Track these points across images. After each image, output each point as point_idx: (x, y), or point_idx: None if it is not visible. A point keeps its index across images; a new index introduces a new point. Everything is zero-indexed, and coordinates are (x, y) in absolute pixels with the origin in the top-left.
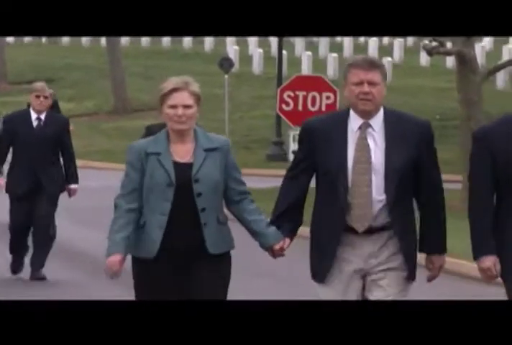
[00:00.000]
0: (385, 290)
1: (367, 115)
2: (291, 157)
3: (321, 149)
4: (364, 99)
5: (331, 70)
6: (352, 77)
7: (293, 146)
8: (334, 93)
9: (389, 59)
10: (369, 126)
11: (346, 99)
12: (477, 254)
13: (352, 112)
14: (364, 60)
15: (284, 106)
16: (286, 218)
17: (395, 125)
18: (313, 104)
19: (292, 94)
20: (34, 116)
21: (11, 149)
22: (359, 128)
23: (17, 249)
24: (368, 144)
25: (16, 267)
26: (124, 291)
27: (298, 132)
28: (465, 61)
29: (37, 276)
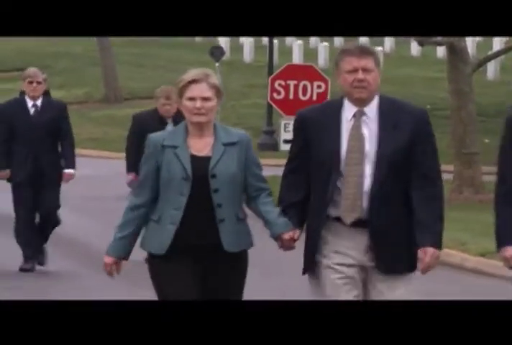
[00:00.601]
0: (384, 295)
1: (361, 103)
2: (282, 146)
3: (315, 139)
4: (359, 87)
5: (322, 59)
6: (345, 64)
7: (284, 135)
8: (325, 82)
9: (380, 48)
10: (364, 114)
11: (341, 88)
12: (500, 244)
13: (346, 101)
14: (356, 46)
15: (275, 95)
16: (292, 211)
17: (389, 113)
18: (304, 93)
19: (283, 83)
20: (30, 103)
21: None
22: (354, 116)
23: (26, 240)
24: (362, 132)
25: (30, 258)
26: (115, 279)
27: (289, 121)
28: (456, 51)
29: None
